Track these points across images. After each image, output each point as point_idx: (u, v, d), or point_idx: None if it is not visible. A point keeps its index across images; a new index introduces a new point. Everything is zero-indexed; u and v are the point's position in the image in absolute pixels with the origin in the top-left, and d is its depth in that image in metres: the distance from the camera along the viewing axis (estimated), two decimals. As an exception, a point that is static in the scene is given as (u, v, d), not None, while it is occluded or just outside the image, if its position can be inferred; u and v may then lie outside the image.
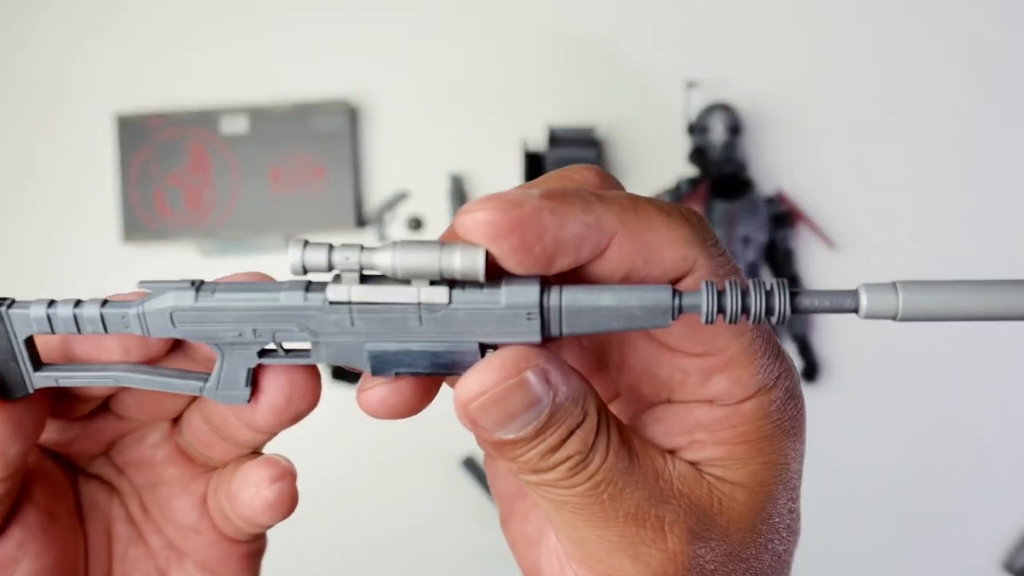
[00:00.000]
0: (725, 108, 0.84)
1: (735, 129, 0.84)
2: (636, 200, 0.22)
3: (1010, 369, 0.89)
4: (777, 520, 0.24)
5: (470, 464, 0.88)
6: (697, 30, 0.91)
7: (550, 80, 0.91)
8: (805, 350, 0.86)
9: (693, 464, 0.23)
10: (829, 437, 0.89)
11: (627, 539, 0.22)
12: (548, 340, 0.22)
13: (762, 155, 0.90)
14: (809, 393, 0.88)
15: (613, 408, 0.26)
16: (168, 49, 0.93)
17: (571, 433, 0.21)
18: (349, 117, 0.90)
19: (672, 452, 0.23)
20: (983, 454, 0.88)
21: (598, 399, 0.22)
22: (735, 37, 0.91)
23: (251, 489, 0.27)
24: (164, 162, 0.90)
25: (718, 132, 0.84)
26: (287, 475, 0.27)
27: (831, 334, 0.89)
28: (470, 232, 0.20)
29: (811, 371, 0.86)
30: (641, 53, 0.91)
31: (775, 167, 0.90)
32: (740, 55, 0.91)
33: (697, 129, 0.85)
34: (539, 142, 0.87)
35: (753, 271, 0.85)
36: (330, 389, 0.89)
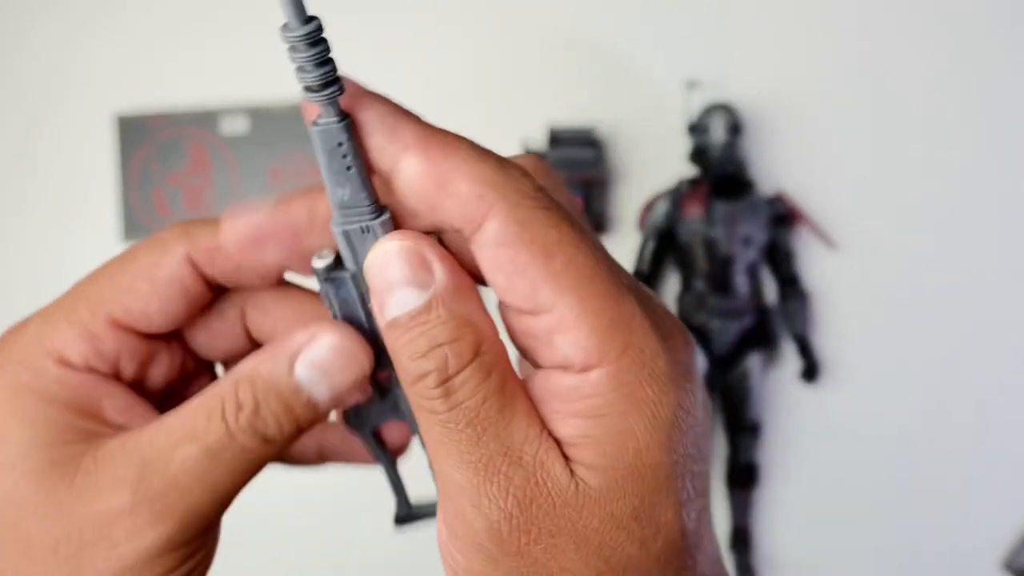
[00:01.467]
0: (725, 108, 0.84)
1: (735, 129, 0.84)
2: (452, 135, 0.22)
3: (1011, 369, 0.89)
4: (652, 518, 0.21)
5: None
6: (697, 30, 0.91)
7: (550, 80, 0.91)
8: (805, 350, 0.86)
9: (557, 441, 0.22)
10: (829, 437, 0.89)
11: (472, 487, 0.21)
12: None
13: (762, 155, 0.90)
14: (809, 393, 0.89)
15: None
16: (168, 49, 0.93)
17: (439, 345, 0.21)
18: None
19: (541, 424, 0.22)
20: (983, 453, 0.88)
21: (495, 341, 0.22)
22: (735, 37, 0.91)
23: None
24: (164, 162, 0.90)
25: (718, 132, 0.84)
26: None
27: (832, 334, 0.89)
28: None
29: (811, 371, 0.86)
30: (641, 53, 0.91)
31: (775, 167, 0.90)
32: (740, 55, 0.91)
33: (697, 129, 0.85)
34: (539, 142, 0.87)
35: (753, 271, 0.85)
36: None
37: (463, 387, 0.21)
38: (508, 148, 0.94)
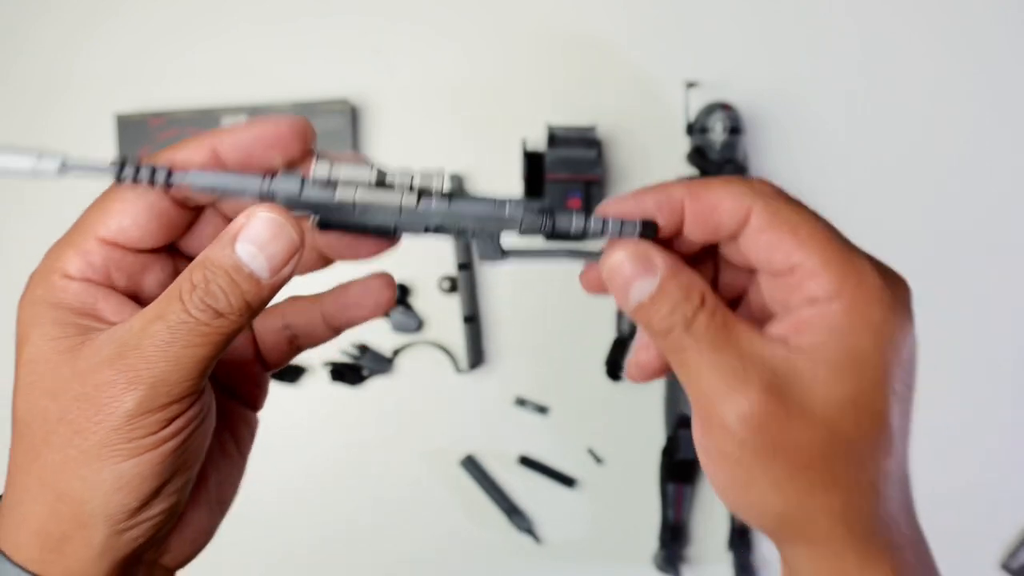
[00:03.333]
0: (725, 108, 0.85)
1: (735, 129, 0.84)
2: (704, 179, 0.31)
3: (1011, 369, 0.89)
4: (867, 405, 0.29)
5: (469, 463, 0.88)
6: (697, 30, 0.91)
7: (550, 80, 0.91)
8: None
9: (787, 343, 0.29)
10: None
11: (723, 387, 0.29)
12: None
13: (762, 155, 0.90)
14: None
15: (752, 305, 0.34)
16: (168, 49, 0.93)
17: (677, 304, 0.30)
18: (350, 116, 0.90)
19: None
20: (983, 454, 0.88)
21: (713, 294, 0.30)
22: (735, 37, 0.91)
23: (374, 295, 0.35)
24: (164, 162, 0.90)
25: (718, 132, 0.84)
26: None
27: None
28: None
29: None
30: (641, 53, 0.91)
31: (775, 167, 0.90)
32: (740, 55, 0.91)
33: (697, 129, 0.85)
34: (539, 142, 0.87)
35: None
36: (329, 389, 0.89)
37: (699, 322, 0.30)
38: (508, 148, 0.94)
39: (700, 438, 0.30)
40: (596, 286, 0.33)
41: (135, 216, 0.31)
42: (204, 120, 0.90)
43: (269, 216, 0.28)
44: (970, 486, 0.88)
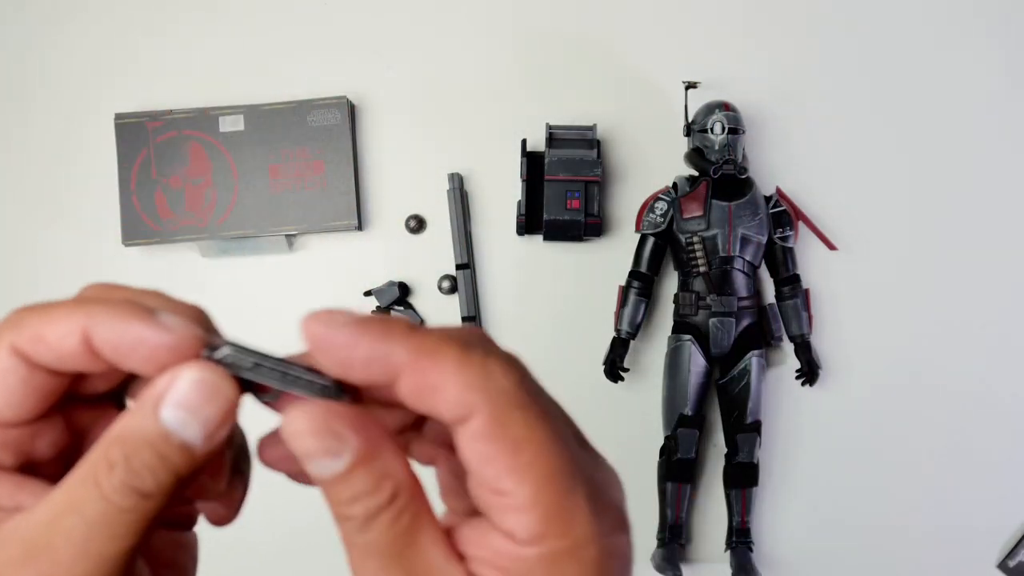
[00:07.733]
0: (725, 108, 0.84)
1: (735, 129, 0.84)
2: (439, 340, 0.25)
3: (1008, 371, 0.89)
4: None
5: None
6: (697, 30, 0.91)
7: (550, 80, 0.91)
8: (805, 351, 0.86)
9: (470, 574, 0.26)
10: (829, 437, 0.89)
11: None
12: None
13: (762, 155, 0.90)
14: (809, 394, 0.89)
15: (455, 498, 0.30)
16: (166, 49, 0.93)
17: (359, 497, 0.25)
18: (347, 112, 0.89)
19: (464, 559, 0.26)
20: (982, 453, 0.88)
21: (409, 486, 0.26)
22: (735, 37, 0.91)
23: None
24: (164, 163, 0.90)
25: (717, 132, 0.84)
26: None
27: (832, 334, 0.89)
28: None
29: (811, 372, 0.86)
30: (641, 53, 0.91)
31: (775, 167, 0.90)
32: (740, 55, 0.91)
33: (696, 129, 0.85)
34: (539, 142, 0.87)
35: (752, 271, 0.85)
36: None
37: (379, 523, 0.25)
38: (508, 148, 0.94)
39: None
40: (278, 461, 0.27)
41: (7, 395, 0.25)
42: (202, 121, 0.90)
43: (201, 378, 0.24)
44: (968, 487, 0.88)
